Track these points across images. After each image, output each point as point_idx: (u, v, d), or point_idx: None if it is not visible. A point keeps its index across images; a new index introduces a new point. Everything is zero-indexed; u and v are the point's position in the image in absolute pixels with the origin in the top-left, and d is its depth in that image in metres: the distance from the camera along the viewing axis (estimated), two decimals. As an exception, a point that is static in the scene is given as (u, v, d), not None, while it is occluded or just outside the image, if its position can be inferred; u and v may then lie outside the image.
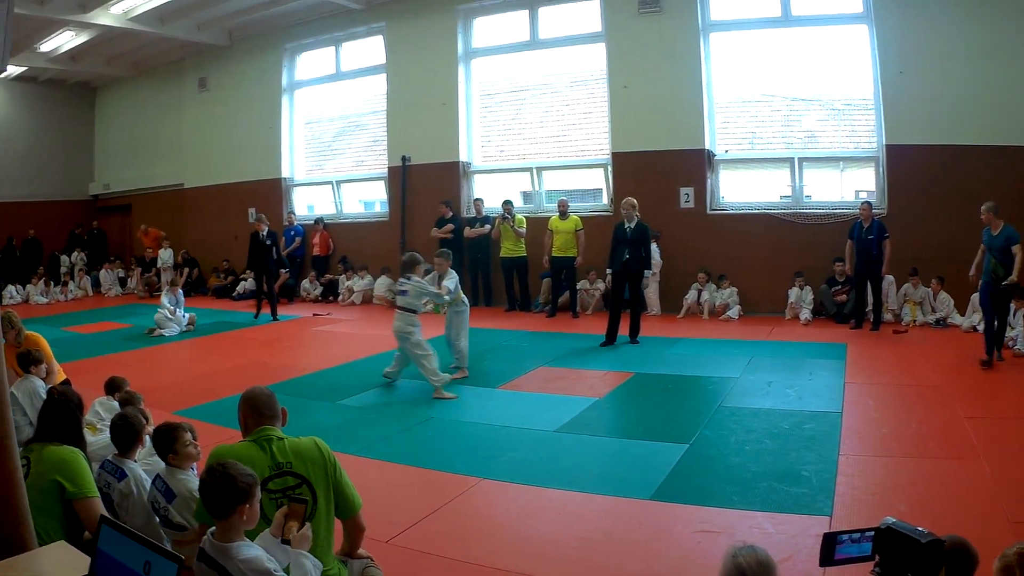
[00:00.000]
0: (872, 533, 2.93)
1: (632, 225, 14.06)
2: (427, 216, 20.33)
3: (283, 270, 21.42)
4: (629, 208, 14.13)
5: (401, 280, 11.45)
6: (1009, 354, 12.08)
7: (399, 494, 7.00)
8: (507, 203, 18.56)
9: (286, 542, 3.87)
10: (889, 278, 15.40)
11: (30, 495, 4.36)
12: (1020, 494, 6.42)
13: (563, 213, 17.75)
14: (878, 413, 9.24)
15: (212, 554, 3.62)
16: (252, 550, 3.67)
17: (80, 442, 5.16)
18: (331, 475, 4.41)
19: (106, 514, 4.57)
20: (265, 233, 18.74)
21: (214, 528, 3.71)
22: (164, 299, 17.62)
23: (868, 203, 15.25)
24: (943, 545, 2.81)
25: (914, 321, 15.24)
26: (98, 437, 6.41)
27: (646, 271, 14.13)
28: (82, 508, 4.71)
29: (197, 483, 4.39)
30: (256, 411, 4.51)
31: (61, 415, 5.12)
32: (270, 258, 18.86)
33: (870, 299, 15.23)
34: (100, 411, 7.06)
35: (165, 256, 24.66)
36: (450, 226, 19.39)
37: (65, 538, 4.47)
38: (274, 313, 18.74)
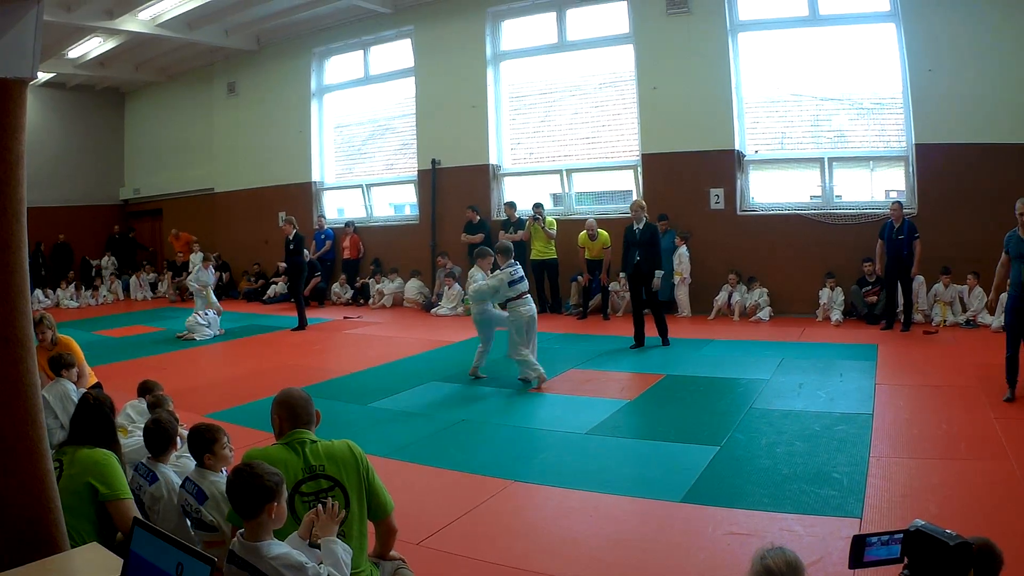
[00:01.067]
0: (901, 535, 2.94)
1: (640, 226, 14.04)
2: (457, 219, 20.40)
3: (316, 274, 21.62)
4: (637, 209, 14.10)
5: (515, 270, 11.65)
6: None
7: (431, 496, 7.02)
8: (537, 206, 18.52)
9: (315, 546, 3.90)
10: (919, 278, 15.31)
11: (63, 497, 4.41)
12: (1051, 495, 6.39)
13: (592, 235, 17.78)
14: (909, 414, 9.19)
15: (242, 555, 3.66)
16: (281, 547, 3.70)
17: (114, 445, 5.22)
18: (364, 477, 4.42)
19: (139, 516, 4.62)
20: (292, 236, 18.26)
21: (243, 530, 3.75)
22: (195, 272, 18.29)
23: (899, 203, 15.18)
24: (971, 548, 2.81)
25: (944, 321, 15.17)
26: (130, 439, 6.47)
27: (656, 272, 14.05)
28: (115, 510, 4.78)
29: (228, 485, 4.42)
30: (292, 414, 4.52)
31: (95, 419, 5.19)
32: (293, 261, 18.36)
33: (901, 299, 15.15)
34: (131, 414, 7.12)
35: (196, 260, 24.75)
36: (481, 235, 19.31)
37: (97, 539, 4.52)
38: (301, 319, 18.17)
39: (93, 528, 4.69)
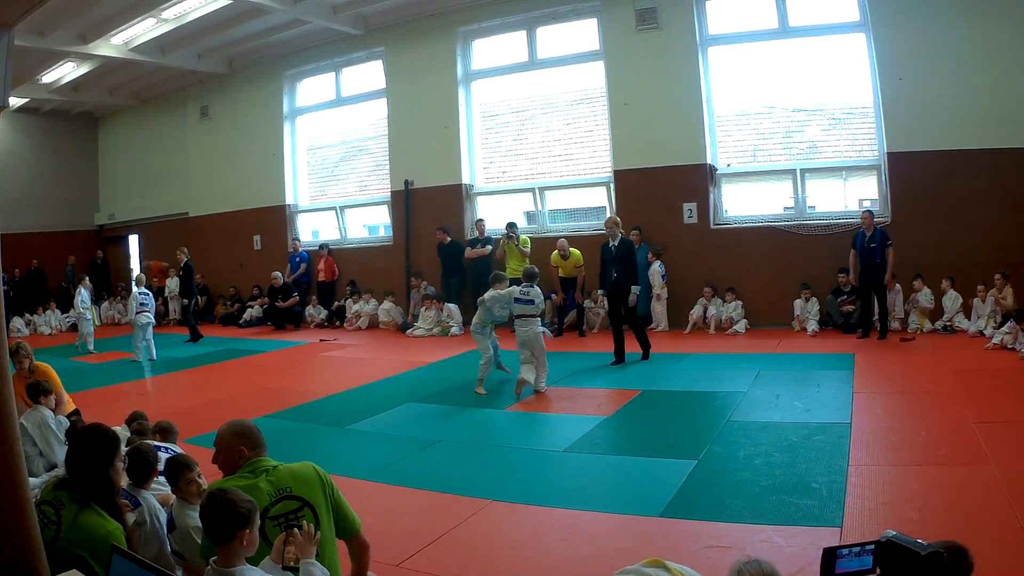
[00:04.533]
0: (872, 547, 2.94)
1: (616, 243, 14.01)
2: (431, 239, 20.37)
3: (292, 295, 21.81)
4: (612, 226, 14.09)
5: (524, 290, 12.39)
6: (1015, 356, 12.07)
7: (409, 517, 6.99)
8: (511, 225, 18.44)
9: (288, 569, 3.89)
10: (896, 287, 15.35)
11: (48, 556, 4.19)
12: (1031, 499, 6.41)
13: (564, 256, 17.75)
14: (887, 422, 9.22)
15: (215, 582, 3.66)
16: (255, 572, 3.70)
17: (116, 510, 4.59)
18: (330, 496, 4.47)
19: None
20: (181, 265, 21.56)
21: (215, 558, 3.74)
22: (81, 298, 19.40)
23: (870, 212, 15.27)
24: (943, 557, 2.82)
25: (921, 329, 15.22)
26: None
27: (633, 287, 14.02)
28: None
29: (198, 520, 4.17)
30: (255, 443, 4.57)
31: (87, 463, 4.58)
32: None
33: (876, 308, 15.20)
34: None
35: (172, 285, 24.75)
36: (488, 248, 19.33)
37: None
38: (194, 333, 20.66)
39: None
